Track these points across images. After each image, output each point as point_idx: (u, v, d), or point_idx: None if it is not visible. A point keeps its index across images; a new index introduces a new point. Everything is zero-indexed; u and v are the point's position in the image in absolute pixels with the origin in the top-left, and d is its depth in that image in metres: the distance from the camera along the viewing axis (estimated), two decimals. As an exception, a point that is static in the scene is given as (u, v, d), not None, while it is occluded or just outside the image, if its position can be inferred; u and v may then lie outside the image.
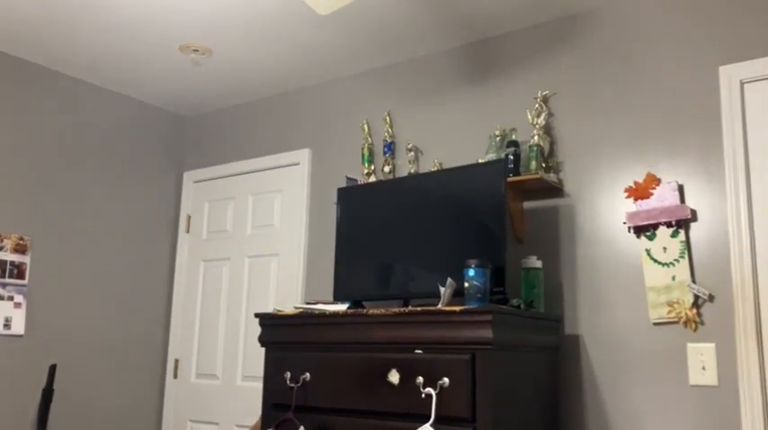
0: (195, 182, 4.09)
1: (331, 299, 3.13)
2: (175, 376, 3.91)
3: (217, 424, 3.66)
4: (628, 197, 2.58)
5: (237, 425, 3.57)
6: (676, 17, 2.63)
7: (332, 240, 3.37)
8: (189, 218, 4.08)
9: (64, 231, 3.56)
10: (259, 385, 3.43)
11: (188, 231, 4.06)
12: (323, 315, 2.53)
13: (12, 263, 3.30)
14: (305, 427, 2.41)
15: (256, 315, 2.70)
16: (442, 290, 2.30)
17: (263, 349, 2.69)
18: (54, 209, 3.53)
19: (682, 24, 2.61)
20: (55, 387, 3.32)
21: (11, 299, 3.29)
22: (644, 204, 2.54)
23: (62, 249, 3.54)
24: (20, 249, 3.34)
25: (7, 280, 3.28)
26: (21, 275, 3.33)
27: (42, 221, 3.46)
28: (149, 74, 3.62)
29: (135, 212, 3.92)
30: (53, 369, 3.28)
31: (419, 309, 2.27)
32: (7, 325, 3.26)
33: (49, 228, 3.49)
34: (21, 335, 3.30)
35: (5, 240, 3.29)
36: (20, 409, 3.27)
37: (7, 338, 3.26)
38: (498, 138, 2.83)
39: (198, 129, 4.18)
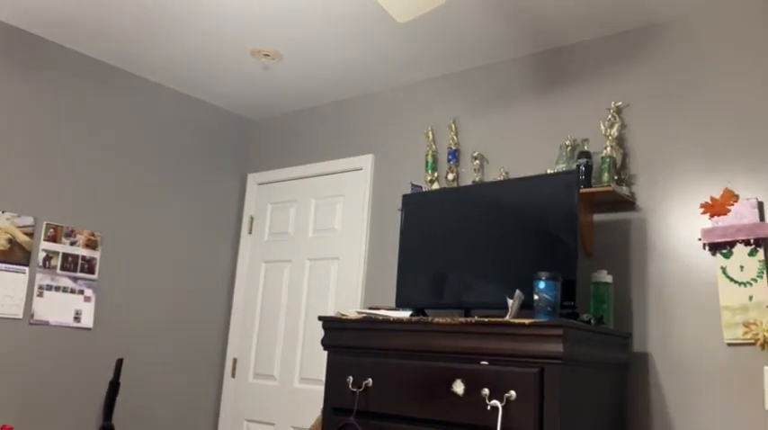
0: (259, 184, 4.16)
1: (390, 304, 3.13)
2: (233, 375, 3.97)
3: (273, 424, 3.70)
4: (704, 213, 2.50)
5: (293, 427, 3.59)
6: (754, 30, 2.54)
7: (392, 246, 3.36)
8: (252, 219, 4.14)
9: (132, 228, 3.65)
10: (316, 388, 3.46)
11: (250, 232, 4.13)
12: (387, 321, 2.53)
13: (83, 257, 3.41)
14: (366, 433, 2.41)
15: (320, 318, 2.72)
16: (510, 301, 2.27)
17: (325, 352, 2.71)
18: (123, 206, 3.63)
19: (760, 37, 2.52)
20: (120, 380, 3.41)
21: (81, 292, 3.39)
22: (720, 221, 2.46)
23: (130, 246, 3.63)
24: (91, 244, 3.45)
25: (78, 274, 3.38)
26: (91, 270, 3.44)
27: (112, 218, 3.57)
28: (219, 77, 3.69)
29: (199, 212, 4.00)
30: (120, 362, 3.37)
31: (486, 319, 2.24)
32: (77, 317, 3.36)
33: (119, 224, 3.59)
34: (89, 329, 3.40)
35: (78, 235, 3.39)
36: (87, 399, 3.37)
37: (77, 331, 3.36)
38: (569, 149, 2.78)
39: (263, 132, 4.25)
